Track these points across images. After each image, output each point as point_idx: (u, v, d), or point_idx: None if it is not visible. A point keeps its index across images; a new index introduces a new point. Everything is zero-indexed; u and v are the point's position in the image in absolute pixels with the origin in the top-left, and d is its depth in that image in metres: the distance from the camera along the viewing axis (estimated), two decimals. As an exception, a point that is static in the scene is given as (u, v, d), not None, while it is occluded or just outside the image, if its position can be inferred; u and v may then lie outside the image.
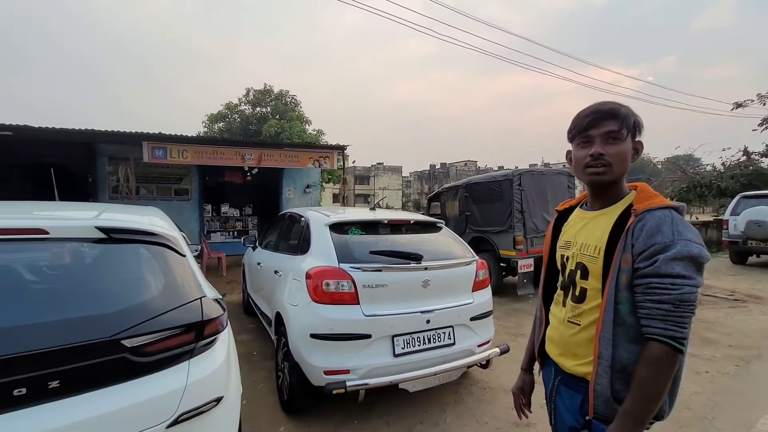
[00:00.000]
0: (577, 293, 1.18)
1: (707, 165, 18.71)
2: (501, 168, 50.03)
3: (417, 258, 2.82)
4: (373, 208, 3.65)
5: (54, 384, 1.31)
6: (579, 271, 1.17)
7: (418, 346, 2.74)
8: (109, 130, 7.73)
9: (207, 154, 8.09)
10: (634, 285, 1.03)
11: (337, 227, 3.01)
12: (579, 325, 1.17)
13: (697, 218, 17.36)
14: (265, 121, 23.26)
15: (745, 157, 16.70)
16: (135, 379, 1.47)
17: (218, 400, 1.67)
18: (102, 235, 1.69)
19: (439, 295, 2.88)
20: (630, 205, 1.10)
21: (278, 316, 3.09)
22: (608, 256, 1.08)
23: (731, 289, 7.16)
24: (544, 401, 1.37)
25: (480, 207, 7.03)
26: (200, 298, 1.75)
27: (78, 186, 9.11)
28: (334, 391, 2.43)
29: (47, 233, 1.61)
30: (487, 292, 3.23)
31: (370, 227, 3.13)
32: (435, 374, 2.71)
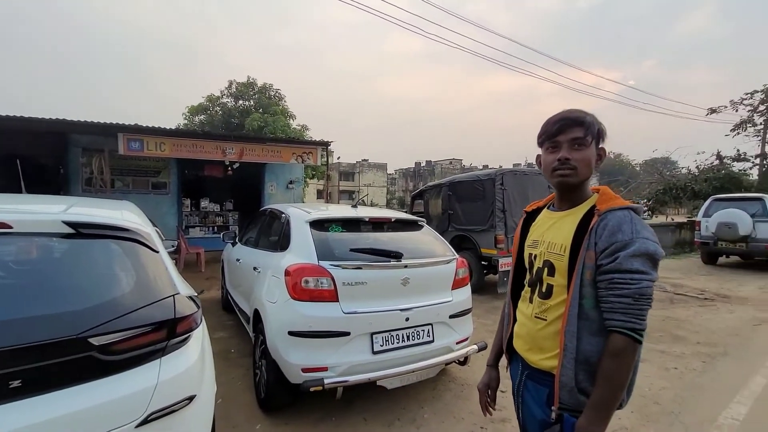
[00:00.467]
0: (543, 290, 1.23)
1: (683, 168, 19.45)
2: (485, 167, 50.55)
3: (397, 256, 2.82)
4: (355, 206, 3.63)
5: (15, 383, 1.27)
6: (546, 269, 1.23)
7: (397, 343, 2.75)
8: (83, 120, 7.46)
9: (186, 148, 7.90)
10: (597, 281, 1.09)
11: (318, 224, 2.99)
12: (545, 320, 1.21)
13: (672, 219, 17.96)
14: (248, 115, 22.88)
15: (718, 161, 17.37)
16: (103, 377, 1.43)
17: (191, 398, 1.64)
18: (70, 230, 1.63)
19: (419, 293, 2.89)
20: (593, 207, 1.17)
21: (256, 313, 3.05)
22: (573, 254, 1.14)
23: (702, 288, 7.44)
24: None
25: (463, 206, 7.09)
26: (173, 296, 1.71)
27: (49, 178, 8.78)
28: (312, 389, 2.42)
29: (11, 228, 1.55)
30: (466, 290, 3.26)
31: (352, 225, 3.12)
32: (413, 371, 2.72)
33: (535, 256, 1.28)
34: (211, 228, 10.33)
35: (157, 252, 1.86)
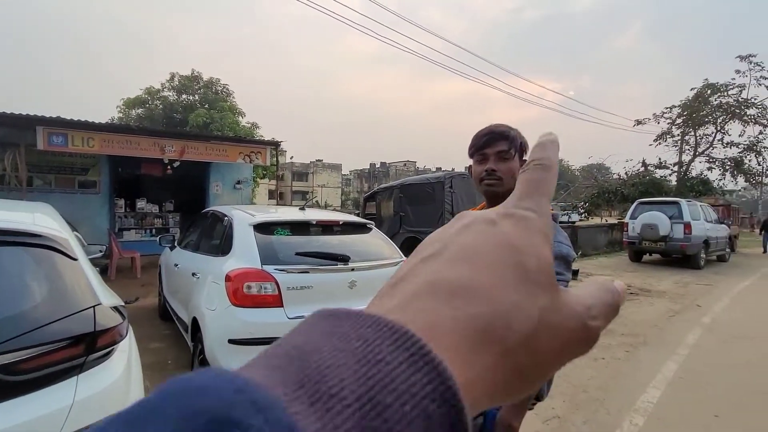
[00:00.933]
0: None
1: (614, 174, 21.15)
2: (439, 169, 51.86)
3: (344, 259, 2.81)
4: (302, 208, 3.57)
5: None
6: None
7: (344, 347, 2.73)
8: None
9: (119, 144, 7.27)
10: None
11: (263, 227, 2.90)
12: None
13: (606, 221, 19.51)
14: (193, 111, 21.68)
15: (643, 168, 19.14)
16: (8, 399, 1.29)
17: (114, 418, 1.52)
18: (-34, 236, 1.45)
19: (366, 296, 2.89)
20: None
21: (195, 321, 2.89)
22: None
23: (628, 284, 8.15)
24: None
25: (413, 208, 7.23)
26: (93, 306, 1.58)
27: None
28: (254, 398, 2.34)
29: None
30: (413, 292, 3.32)
31: (299, 228, 3.06)
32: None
33: None
34: (148, 230, 9.62)
35: (76, 259, 1.70)
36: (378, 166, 62.16)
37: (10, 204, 2.34)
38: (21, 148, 6.82)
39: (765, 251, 14.79)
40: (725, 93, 17.22)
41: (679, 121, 18.75)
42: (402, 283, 0.19)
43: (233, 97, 24.15)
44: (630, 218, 11.33)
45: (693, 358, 4.07)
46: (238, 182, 10.43)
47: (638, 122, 20.26)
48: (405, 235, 7.21)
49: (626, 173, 19.39)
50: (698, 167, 18.85)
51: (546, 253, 0.20)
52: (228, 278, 2.56)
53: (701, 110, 17.70)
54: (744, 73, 16.88)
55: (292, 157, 46.20)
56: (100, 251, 3.34)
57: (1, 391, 1.28)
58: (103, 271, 6.60)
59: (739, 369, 3.81)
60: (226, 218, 3.30)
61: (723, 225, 12.21)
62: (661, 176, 19.08)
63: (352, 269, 2.83)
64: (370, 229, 3.52)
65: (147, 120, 22.53)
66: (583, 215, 20.49)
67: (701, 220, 10.63)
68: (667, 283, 8.31)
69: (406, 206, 7.35)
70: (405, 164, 60.86)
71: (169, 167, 8.91)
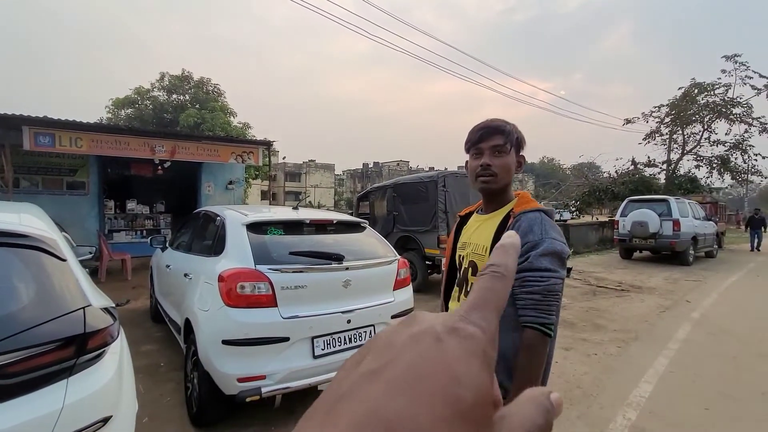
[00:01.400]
0: (469, 288, 1.30)
1: (605, 172, 21.39)
2: (432, 168, 51.95)
3: (338, 258, 2.80)
4: (296, 208, 3.54)
5: None
6: (470, 269, 1.30)
7: (339, 346, 2.72)
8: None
9: (108, 144, 7.14)
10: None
11: (256, 227, 2.87)
12: None
13: (597, 219, 19.72)
14: (183, 111, 21.45)
15: (633, 166, 19.37)
16: (-4, 404, 1.25)
17: (105, 420, 1.50)
18: (-51, 237, 1.41)
19: (360, 295, 2.89)
20: (512, 209, 1.26)
21: (187, 322, 2.86)
22: None
23: (619, 280, 8.25)
24: None
25: (407, 207, 7.22)
26: (83, 308, 1.55)
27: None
28: (248, 399, 2.32)
29: None
30: (408, 291, 3.32)
31: (292, 227, 3.04)
32: (355, 374, 2.71)
33: (463, 258, 1.35)
34: (139, 232, 9.51)
35: (65, 260, 1.67)
36: (371, 165, 62.06)
37: (-4, 205, 2.29)
38: (6, 148, 6.67)
39: (752, 249, 15.03)
40: (712, 92, 17.52)
41: (667, 120, 19.02)
42: (342, 404, 0.19)
43: (224, 97, 23.96)
44: (620, 216, 11.46)
45: (683, 352, 4.13)
46: (230, 183, 10.34)
47: (628, 121, 20.50)
48: (398, 234, 7.20)
49: (616, 172, 19.63)
50: (686, 165, 19.17)
51: (485, 382, 0.20)
52: (221, 278, 2.53)
53: (689, 109, 17.97)
54: (730, 72, 17.21)
55: (284, 158, 45.96)
56: (90, 253, 3.29)
57: (-11, 395, 1.25)
58: (93, 273, 6.49)
59: (727, 362, 3.88)
60: (218, 218, 3.26)
61: (710, 222, 12.41)
62: (651, 174, 19.35)
63: (347, 268, 2.81)
64: (364, 228, 3.51)
65: (137, 120, 22.24)
66: (574, 213, 20.68)
67: (689, 218, 10.79)
68: (657, 280, 8.42)
69: (400, 205, 7.33)
70: (398, 164, 60.86)
71: (159, 168, 8.80)
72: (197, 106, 22.18)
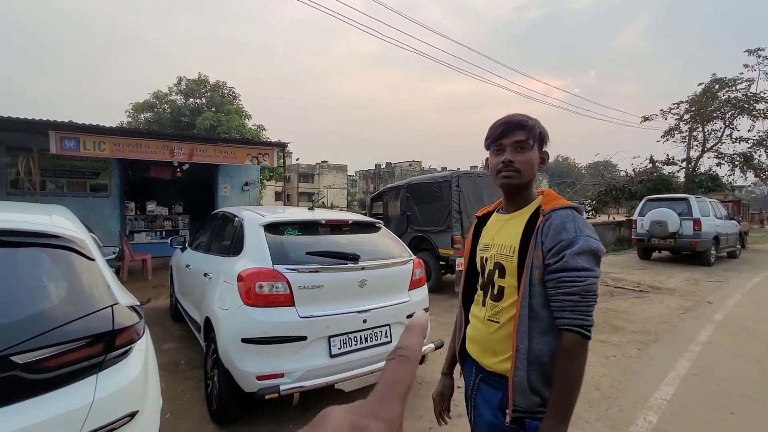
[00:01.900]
0: (495, 292, 1.24)
1: (621, 171, 20.94)
2: (444, 169, 51.71)
3: (354, 258, 2.82)
4: (311, 208, 3.59)
5: None
6: (497, 271, 1.24)
7: (355, 345, 2.75)
8: (5, 116, 6.66)
9: (129, 147, 7.36)
10: (546, 280, 1.11)
11: (273, 227, 2.92)
12: (498, 323, 1.22)
13: (614, 218, 19.34)
14: (200, 114, 21.87)
15: (651, 164, 18.92)
16: (31, 398, 1.31)
17: (132, 415, 1.54)
18: (-11, 238, 1.48)
19: (376, 295, 2.90)
20: (539, 207, 1.20)
21: (207, 321, 2.92)
22: (522, 255, 1.16)
23: (638, 281, 8.08)
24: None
25: (420, 207, 7.22)
26: (111, 306, 1.60)
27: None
28: (267, 397, 2.36)
29: None
30: (423, 291, 3.32)
31: (308, 227, 3.08)
32: (372, 372, 2.73)
33: (487, 259, 1.29)
34: (158, 233, 9.74)
35: (93, 260, 1.73)
36: (383, 166, 62.11)
37: (28, 206, 2.39)
38: (34, 152, 6.94)
39: None
40: (734, 88, 16.96)
41: (686, 116, 18.50)
42: None
43: (239, 100, 24.35)
44: (638, 215, 11.21)
45: (706, 354, 4.02)
46: (246, 184, 10.51)
47: (645, 118, 20.00)
48: (412, 234, 7.20)
49: (634, 170, 19.18)
50: (707, 163, 18.65)
51: None
52: (240, 278, 2.58)
53: (709, 105, 17.44)
54: (753, 67, 16.64)
55: (297, 159, 46.33)
56: (114, 253, 3.38)
57: (25, 389, 1.31)
58: (115, 273, 6.67)
59: (752, 365, 3.77)
60: (236, 219, 3.32)
61: (733, 221, 12.03)
62: (669, 173, 18.85)
63: (362, 268, 2.83)
64: (379, 228, 3.53)
65: (155, 124, 22.79)
66: (590, 213, 20.32)
67: (711, 217, 10.49)
68: (677, 280, 8.22)
69: (413, 206, 7.33)
70: (410, 164, 60.76)
71: (178, 170, 9.01)
72: (213, 109, 22.59)
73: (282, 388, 2.39)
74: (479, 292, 1.33)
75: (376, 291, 2.90)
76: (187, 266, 3.98)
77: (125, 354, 1.60)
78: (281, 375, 2.46)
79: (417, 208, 7.28)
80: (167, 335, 4.46)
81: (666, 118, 19.37)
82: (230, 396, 2.60)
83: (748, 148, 17.18)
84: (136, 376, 1.62)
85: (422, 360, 3.18)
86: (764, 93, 16.60)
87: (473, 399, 1.32)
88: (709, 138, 18.37)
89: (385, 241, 3.41)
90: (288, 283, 2.57)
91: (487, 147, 1.27)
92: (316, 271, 2.68)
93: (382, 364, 2.79)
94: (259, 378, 2.43)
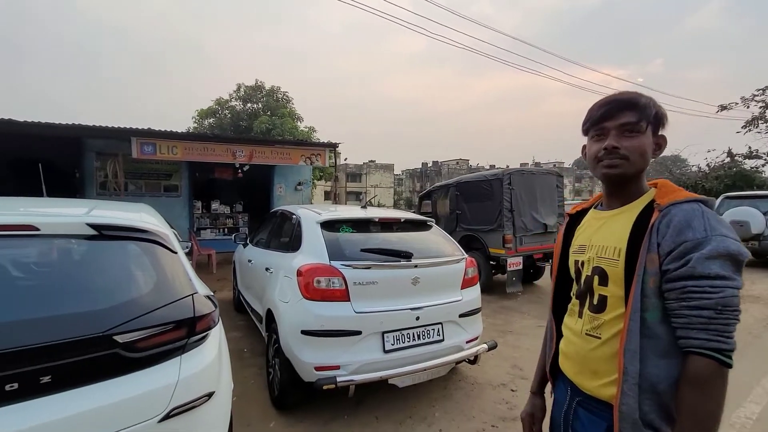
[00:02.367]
0: (595, 302, 1.05)
1: (693, 166, 19.13)
2: (492, 167, 50.27)
3: (407, 256, 2.86)
4: (364, 207, 3.68)
5: (46, 379, 1.33)
6: (596, 277, 1.05)
7: (408, 342, 2.78)
8: (97, 125, 7.64)
9: (197, 151, 8.04)
10: (665, 290, 0.91)
11: (329, 225, 3.04)
12: (599, 338, 1.03)
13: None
14: (256, 118, 23.09)
15: (729, 158, 17.09)
16: (127, 374, 1.48)
17: (210, 395, 1.69)
18: (93, 232, 1.69)
19: (429, 293, 2.92)
20: (652, 201, 1.00)
21: (269, 312, 3.10)
22: (631, 259, 0.96)
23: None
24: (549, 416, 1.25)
25: (470, 206, 7.10)
26: (192, 295, 1.77)
27: (65, 182, 8.96)
28: (325, 387, 2.46)
29: (38, 230, 1.61)
30: (475, 290, 3.29)
31: (361, 225, 3.16)
32: (424, 370, 2.75)
33: (583, 263, 1.10)
34: (221, 230, 10.46)
35: (176, 253, 1.92)
36: (430, 165, 61.62)
37: (118, 205, 2.68)
38: (119, 157, 7.83)
39: None
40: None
41: (774, 104, 16.47)
42: None
43: (292, 104, 25.35)
44: (715, 215, 10.17)
45: (800, 371, 3.58)
46: (299, 184, 10.96)
47: (723, 107, 18.06)
48: (462, 233, 7.10)
49: (708, 165, 17.43)
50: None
51: None
52: (299, 273, 2.72)
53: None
54: None
55: (346, 159, 47.36)
56: (186, 248, 3.70)
57: (124, 365, 1.49)
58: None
59: None
60: (294, 217, 3.49)
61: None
62: (752, 167, 16.86)
63: (415, 266, 2.86)
64: (431, 226, 3.54)
65: (217, 128, 24.43)
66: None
67: (804, 217, 9.26)
68: (762, 287, 7.36)
69: (463, 204, 7.23)
70: (457, 162, 59.71)
71: (239, 171, 9.61)
72: (269, 113, 23.75)
73: (339, 379, 2.49)
74: (574, 301, 1.14)
75: (428, 289, 2.92)
76: (249, 261, 4.25)
77: (203, 339, 1.76)
78: (337, 367, 2.56)
79: (467, 206, 7.18)
80: (231, 325, 4.79)
81: (748, 106, 17.37)
82: (290, 384, 2.74)
83: None
84: (213, 360, 1.77)
85: (474, 360, 3.15)
86: None
87: (570, 427, 1.13)
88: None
89: (437, 239, 3.41)
90: (344, 278, 2.66)
91: (585, 132, 1.09)
92: (370, 268, 2.75)
93: (434, 361, 2.81)
94: (317, 368, 2.55)
